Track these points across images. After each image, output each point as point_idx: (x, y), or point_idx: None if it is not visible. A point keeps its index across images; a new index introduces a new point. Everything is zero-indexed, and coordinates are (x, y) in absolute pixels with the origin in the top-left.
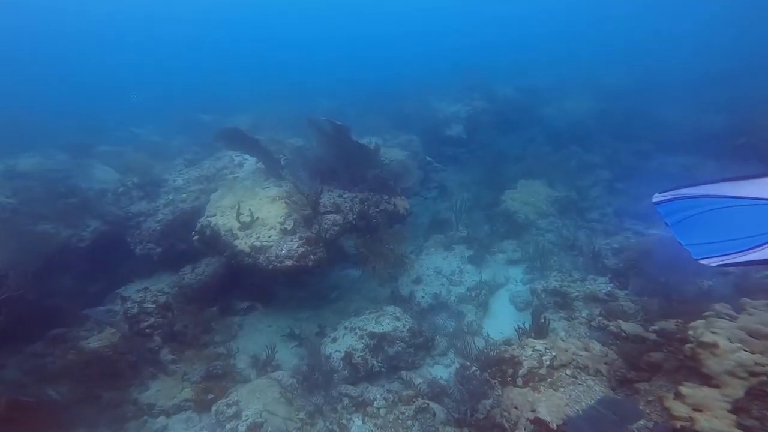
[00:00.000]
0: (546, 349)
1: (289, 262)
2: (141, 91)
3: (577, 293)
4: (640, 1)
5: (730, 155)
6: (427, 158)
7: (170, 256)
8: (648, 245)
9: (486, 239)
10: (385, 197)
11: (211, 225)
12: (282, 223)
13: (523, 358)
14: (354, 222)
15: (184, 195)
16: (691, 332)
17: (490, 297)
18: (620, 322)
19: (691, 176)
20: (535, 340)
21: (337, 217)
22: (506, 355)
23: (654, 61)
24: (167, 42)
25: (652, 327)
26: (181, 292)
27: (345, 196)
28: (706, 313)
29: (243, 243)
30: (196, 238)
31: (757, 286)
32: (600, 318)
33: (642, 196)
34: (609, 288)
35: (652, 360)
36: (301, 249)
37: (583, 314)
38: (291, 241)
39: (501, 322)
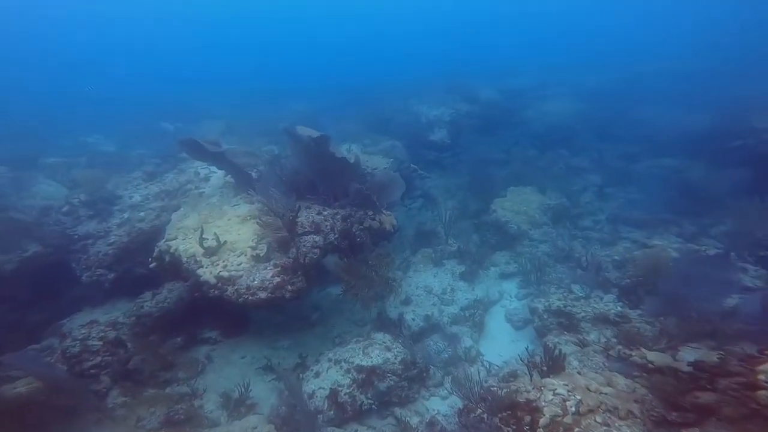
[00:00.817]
0: (569, 392)
1: (262, 294)
2: (96, 91)
3: (583, 313)
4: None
5: (722, 159)
6: (412, 166)
7: (127, 282)
8: (658, 260)
9: (477, 253)
10: (370, 213)
11: (171, 250)
12: (254, 248)
13: (543, 403)
14: (336, 242)
15: (142, 213)
16: (762, 377)
17: (485, 316)
18: (644, 351)
19: (681, 180)
20: (553, 381)
21: (317, 239)
22: (520, 399)
23: (635, 61)
24: (132, 47)
25: (688, 361)
26: (139, 322)
27: (325, 213)
28: None
29: (208, 272)
30: (153, 265)
31: None
32: (620, 347)
33: (634, 202)
34: (619, 308)
35: (702, 402)
36: (277, 279)
37: (591, 337)
38: (264, 269)
39: (499, 343)
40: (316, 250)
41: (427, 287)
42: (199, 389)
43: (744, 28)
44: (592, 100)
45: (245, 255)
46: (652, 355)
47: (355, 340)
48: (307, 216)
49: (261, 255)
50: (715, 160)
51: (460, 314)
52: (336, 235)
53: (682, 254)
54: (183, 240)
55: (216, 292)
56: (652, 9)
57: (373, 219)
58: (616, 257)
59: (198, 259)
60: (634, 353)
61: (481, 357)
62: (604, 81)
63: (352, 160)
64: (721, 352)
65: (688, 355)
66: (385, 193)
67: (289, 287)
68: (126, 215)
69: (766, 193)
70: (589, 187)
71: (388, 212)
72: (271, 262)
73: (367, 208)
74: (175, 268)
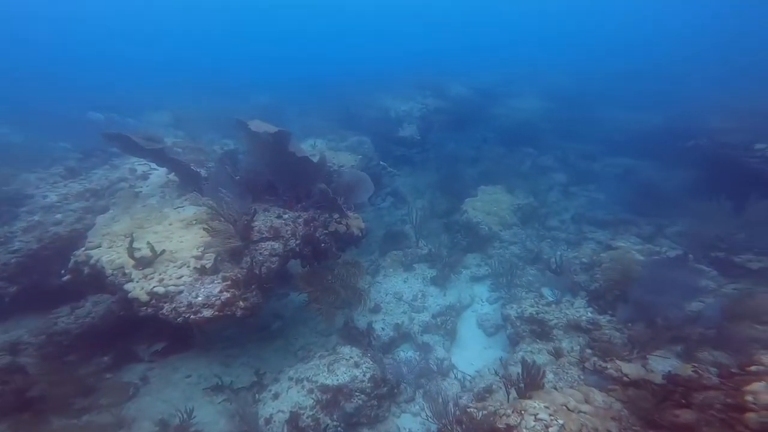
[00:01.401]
0: (551, 416)
1: (207, 313)
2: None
3: (555, 320)
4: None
5: (676, 158)
6: (381, 163)
7: (36, 295)
8: (624, 264)
9: (449, 256)
10: (336, 216)
11: (92, 261)
12: (199, 258)
13: (525, 430)
14: (298, 249)
15: (59, 215)
16: (749, 398)
17: (457, 322)
18: (619, 363)
19: (638, 180)
20: (534, 404)
21: (276, 246)
22: (500, 425)
23: (603, 61)
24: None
25: (662, 373)
26: (51, 341)
27: (286, 216)
28: (755, 368)
29: (138, 288)
30: (67, 278)
31: (746, 310)
32: (595, 359)
33: (595, 200)
34: (589, 314)
35: (681, 421)
36: (226, 294)
37: (564, 345)
38: (211, 283)
39: (471, 351)
40: (274, 259)
41: (397, 293)
42: (128, 417)
43: (721, 35)
44: (559, 99)
45: (188, 266)
46: (626, 368)
47: (319, 355)
48: (266, 219)
49: (207, 266)
50: (669, 159)
51: (432, 322)
52: (298, 241)
53: (644, 256)
54: (108, 248)
55: (149, 310)
56: (629, 11)
57: (340, 222)
58: (584, 259)
59: (127, 271)
60: (609, 365)
61: (454, 369)
62: (572, 80)
63: (316, 159)
64: (694, 364)
65: (659, 365)
66: (353, 195)
67: (241, 303)
68: (36, 217)
69: (717, 195)
70: (555, 186)
71: (356, 215)
72: (220, 275)
73: (332, 211)
74: (97, 282)
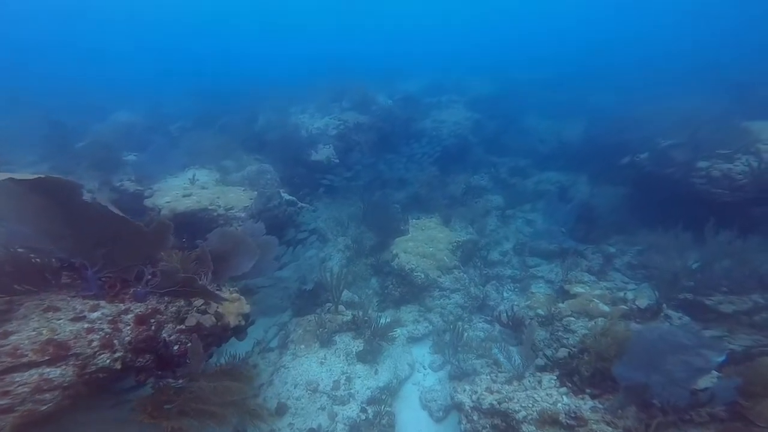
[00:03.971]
0: None
1: None
2: None
3: (523, 412)
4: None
5: (608, 174)
6: (286, 197)
7: None
8: (599, 326)
9: (379, 318)
10: (199, 303)
11: None
12: None
13: None
14: (123, 363)
15: None
16: None
17: (395, 408)
18: None
19: (568, 196)
20: None
21: (56, 374)
22: None
23: (517, 67)
24: None
25: None
26: None
27: (95, 315)
28: None
29: None
30: None
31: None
32: None
33: (532, 222)
34: (565, 399)
35: None
36: None
37: None
38: None
39: None
40: (46, 396)
41: (312, 382)
42: None
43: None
44: (485, 108)
45: None
46: None
47: None
48: (43, 327)
49: None
50: (602, 176)
51: (361, 418)
52: (123, 353)
53: (609, 306)
54: None
55: None
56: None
57: (205, 312)
58: (540, 311)
59: None
60: None
61: None
62: (498, 87)
63: (157, 217)
64: None
65: None
66: (228, 265)
67: None
68: None
69: (674, 223)
70: (491, 210)
71: (236, 294)
72: None
73: (193, 296)
74: None
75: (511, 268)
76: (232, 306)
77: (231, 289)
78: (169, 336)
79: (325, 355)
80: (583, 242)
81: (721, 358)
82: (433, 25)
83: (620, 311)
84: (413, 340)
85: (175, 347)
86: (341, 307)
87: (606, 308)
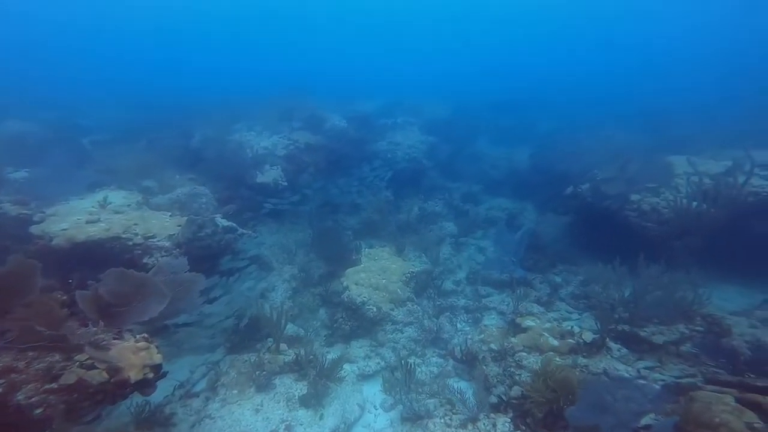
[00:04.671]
0: None
1: None
2: None
3: None
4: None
5: (553, 203)
6: (223, 223)
7: None
8: (550, 366)
9: (326, 354)
10: (80, 357)
11: None
12: None
13: None
14: None
15: None
16: None
17: None
18: None
19: (517, 223)
20: None
21: None
22: None
23: (471, 92)
24: None
25: None
26: None
27: None
28: None
29: None
30: None
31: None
32: None
33: (484, 251)
34: None
35: None
36: None
37: None
38: None
39: None
40: None
41: None
42: None
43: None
44: (440, 132)
45: None
46: None
47: None
48: None
49: None
50: (547, 204)
51: None
52: None
53: (558, 340)
54: None
55: None
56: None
57: (92, 367)
58: (493, 346)
59: None
60: None
61: None
62: (451, 110)
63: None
64: None
65: None
66: (138, 308)
67: None
68: None
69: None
70: (446, 237)
71: (142, 342)
72: None
73: (72, 351)
74: None
75: (464, 297)
76: (136, 357)
77: (139, 336)
78: (29, 398)
79: (261, 401)
80: (531, 271)
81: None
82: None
83: (568, 345)
84: (364, 377)
85: (38, 410)
86: (283, 346)
87: (555, 342)
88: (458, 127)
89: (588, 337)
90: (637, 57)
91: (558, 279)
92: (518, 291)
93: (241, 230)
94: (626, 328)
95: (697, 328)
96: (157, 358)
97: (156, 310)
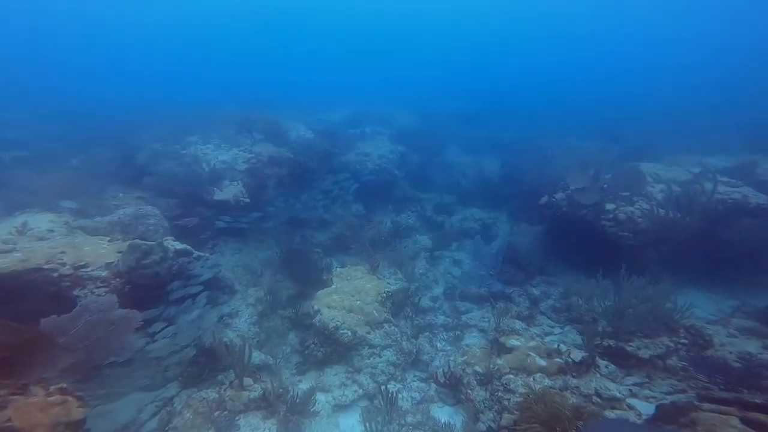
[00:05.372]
0: None
1: None
2: None
3: None
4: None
5: (527, 214)
6: (175, 246)
7: None
8: (539, 390)
9: (297, 383)
10: None
11: None
12: None
13: None
14: None
15: None
16: None
17: None
18: None
19: (491, 233)
20: None
21: None
22: None
23: (439, 100)
24: None
25: None
26: None
27: None
28: None
29: None
30: None
31: None
32: None
33: (459, 263)
34: None
35: None
36: None
37: None
38: None
39: None
40: None
41: None
42: None
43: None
44: (410, 141)
45: None
46: None
47: None
48: None
49: None
50: (520, 214)
51: None
52: None
53: (545, 359)
54: None
55: None
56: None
57: None
58: (478, 368)
59: None
60: None
61: None
62: (419, 120)
63: None
64: None
65: None
66: (41, 360)
67: None
68: None
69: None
70: (420, 252)
71: (59, 392)
72: None
73: None
74: None
75: (443, 314)
76: (44, 415)
77: (53, 387)
78: None
79: None
80: (509, 284)
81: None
82: (356, 55)
83: (556, 365)
84: (340, 407)
85: None
86: (248, 380)
87: (543, 362)
88: (428, 136)
89: (577, 356)
90: (605, 64)
91: (536, 292)
92: (498, 306)
93: (197, 253)
94: (612, 343)
95: (682, 340)
96: (77, 413)
97: (64, 361)
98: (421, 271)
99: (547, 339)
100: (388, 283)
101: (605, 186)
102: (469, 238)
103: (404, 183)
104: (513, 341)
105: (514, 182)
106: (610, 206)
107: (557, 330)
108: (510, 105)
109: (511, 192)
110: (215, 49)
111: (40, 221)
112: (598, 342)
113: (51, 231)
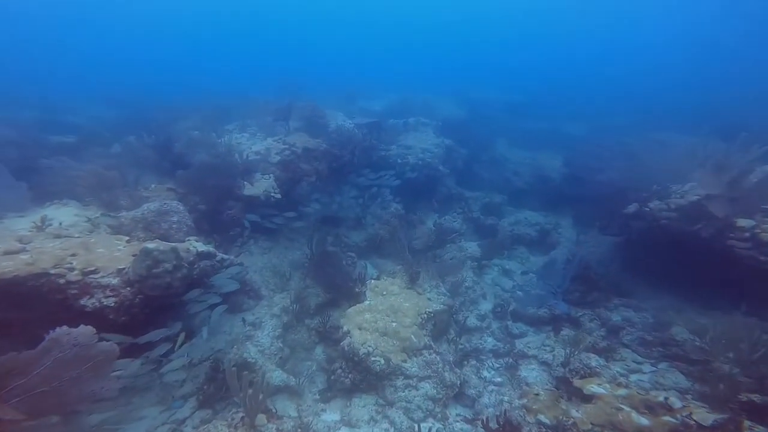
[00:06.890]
0: None
1: None
2: None
3: None
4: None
5: (601, 222)
6: (198, 248)
7: None
8: None
9: (321, 412)
10: None
11: None
12: None
13: None
14: None
15: None
16: None
17: None
18: None
19: (550, 241)
20: None
21: None
22: None
23: (485, 88)
24: None
25: None
26: None
27: None
28: None
29: None
30: None
31: None
32: None
33: (509, 273)
34: None
35: None
36: None
37: None
38: None
39: None
40: None
41: None
42: None
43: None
44: (456, 134)
45: None
46: None
47: None
48: None
49: None
50: (589, 221)
51: None
52: None
53: (648, 419)
54: None
55: None
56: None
57: None
58: (543, 418)
59: None
60: None
61: None
62: (466, 109)
63: None
64: None
65: None
66: None
67: None
68: None
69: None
70: (466, 260)
71: None
72: None
73: None
74: None
75: (491, 336)
76: None
77: None
78: None
79: None
80: (577, 305)
81: None
82: (398, 43)
83: (666, 426)
84: None
85: None
86: (261, 417)
87: (644, 421)
88: (474, 129)
89: (705, 418)
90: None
91: (616, 317)
92: (564, 333)
93: (220, 255)
94: (756, 398)
95: None
96: None
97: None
98: (467, 284)
99: (632, 378)
100: (429, 300)
101: (737, 196)
102: (522, 245)
103: (449, 180)
104: (594, 387)
105: (583, 183)
106: (744, 222)
107: (647, 368)
108: (565, 96)
109: (578, 194)
110: (256, 37)
111: (64, 215)
112: (732, 395)
113: (71, 227)
